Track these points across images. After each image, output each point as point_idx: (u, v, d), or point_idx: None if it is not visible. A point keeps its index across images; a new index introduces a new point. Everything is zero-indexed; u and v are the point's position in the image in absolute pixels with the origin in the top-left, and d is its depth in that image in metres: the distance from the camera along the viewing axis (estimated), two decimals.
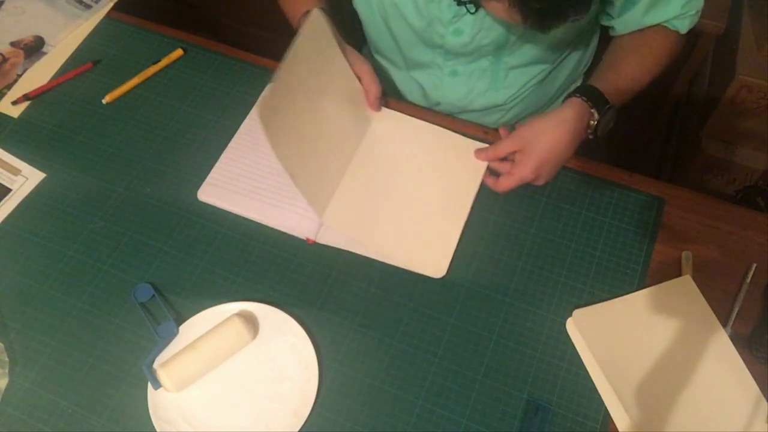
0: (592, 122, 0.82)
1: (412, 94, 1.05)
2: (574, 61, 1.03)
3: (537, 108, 1.07)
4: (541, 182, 0.84)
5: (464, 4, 0.84)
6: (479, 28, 0.87)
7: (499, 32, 0.88)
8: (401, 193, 0.88)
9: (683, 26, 0.89)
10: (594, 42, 1.04)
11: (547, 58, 0.97)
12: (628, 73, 0.88)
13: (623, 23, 0.90)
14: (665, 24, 0.88)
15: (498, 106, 1.02)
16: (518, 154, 0.83)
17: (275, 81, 0.75)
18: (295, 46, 0.76)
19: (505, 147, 0.84)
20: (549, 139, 0.81)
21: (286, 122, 0.78)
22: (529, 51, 0.93)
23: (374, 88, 0.91)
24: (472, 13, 0.85)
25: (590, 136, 0.84)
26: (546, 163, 0.81)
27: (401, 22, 0.92)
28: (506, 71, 0.97)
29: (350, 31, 0.85)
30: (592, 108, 0.82)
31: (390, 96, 0.98)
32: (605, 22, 0.94)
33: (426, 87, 1.02)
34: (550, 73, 1.00)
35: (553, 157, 0.81)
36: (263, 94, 0.73)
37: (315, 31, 0.80)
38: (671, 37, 0.90)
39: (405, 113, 0.95)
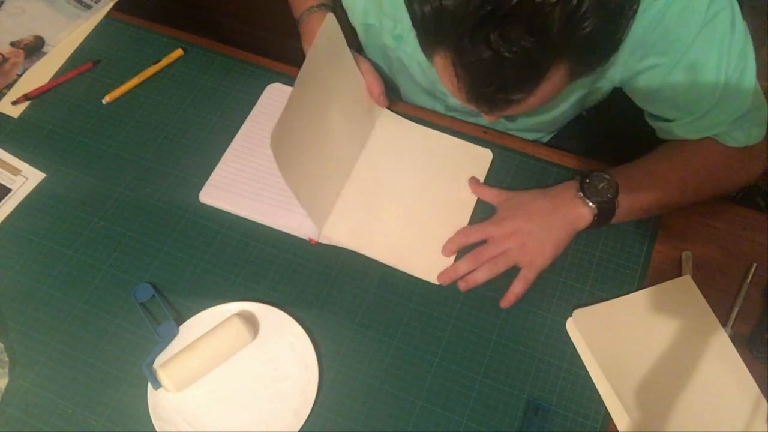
0: (578, 185, 0.78)
1: None
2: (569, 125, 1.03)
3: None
4: (516, 243, 0.77)
5: None
6: None
7: None
8: (403, 198, 0.88)
9: (732, 140, 0.79)
10: None
11: (545, 129, 0.96)
12: (650, 169, 0.82)
13: (660, 130, 0.85)
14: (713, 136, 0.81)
15: None
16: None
17: (294, 91, 0.73)
18: (312, 51, 0.75)
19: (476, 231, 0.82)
20: (521, 196, 0.80)
21: (297, 135, 0.77)
22: (529, 120, 0.93)
23: (377, 85, 0.91)
24: None
25: (586, 198, 0.78)
26: (517, 214, 0.78)
27: (406, 75, 0.92)
28: (504, 131, 0.97)
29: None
30: (574, 178, 0.79)
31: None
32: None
33: None
34: (545, 137, 1.00)
35: (528, 213, 0.78)
36: (285, 107, 0.72)
37: (329, 33, 0.80)
38: (716, 148, 0.81)
39: (408, 113, 0.95)
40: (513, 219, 0.79)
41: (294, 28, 1.00)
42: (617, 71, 0.79)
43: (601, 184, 0.78)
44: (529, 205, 0.80)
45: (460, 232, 0.82)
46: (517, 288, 0.78)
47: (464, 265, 0.80)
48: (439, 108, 0.96)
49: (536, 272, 0.78)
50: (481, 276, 0.78)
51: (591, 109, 1.12)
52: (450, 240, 0.82)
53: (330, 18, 0.78)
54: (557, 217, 0.78)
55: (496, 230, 0.79)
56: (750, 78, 0.76)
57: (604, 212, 0.78)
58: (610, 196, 0.78)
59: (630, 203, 0.79)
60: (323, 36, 0.77)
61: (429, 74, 0.88)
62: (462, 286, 0.80)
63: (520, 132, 0.97)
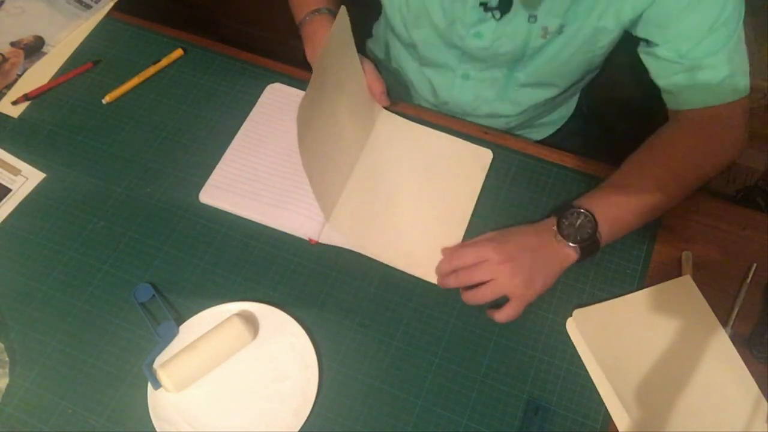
0: (555, 226, 0.78)
1: (421, 89, 1.05)
2: (586, 79, 1.04)
3: (543, 114, 1.08)
4: (507, 273, 0.76)
5: (491, 10, 0.84)
6: (500, 35, 0.87)
7: (518, 42, 0.87)
8: (403, 198, 0.88)
9: (719, 96, 0.82)
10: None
11: (557, 83, 0.96)
12: (624, 183, 0.82)
13: (652, 60, 0.86)
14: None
15: (502, 116, 1.02)
16: None
17: (312, 81, 0.74)
18: (326, 45, 0.76)
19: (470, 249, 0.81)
20: (509, 230, 0.81)
21: (313, 124, 0.78)
22: (541, 72, 0.93)
23: (379, 84, 0.91)
24: (497, 20, 0.85)
25: (567, 240, 0.77)
26: (510, 241, 0.78)
27: (425, 19, 0.91)
28: (516, 87, 0.97)
29: (353, 22, 0.85)
30: (555, 213, 0.80)
31: (398, 89, 0.97)
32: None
33: (436, 85, 1.02)
34: (555, 97, 1.01)
35: (520, 243, 0.78)
36: (304, 95, 0.73)
37: (341, 29, 0.80)
38: (690, 129, 0.84)
39: (408, 113, 0.95)
40: (507, 244, 0.78)
41: (294, 28, 1.00)
42: (626, 5, 0.80)
43: (579, 221, 0.78)
44: (520, 236, 0.79)
45: (455, 255, 0.80)
46: (503, 316, 0.76)
47: (453, 282, 0.79)
48: (455, 60, 0.95)
49: (524, 305, 0.77)
50: (468, 300, 0.78)
51: (591, 106, 1.12)
52: (443, 262, 0.81)
53: (342, 12, 0.79)
54: (545, 253, 0.78)
55: (491, 254, 0.77)
56: (742, 8, 0.80)
57: (588, 248, 0.78)
58: (590, 231, 0.77)
59: (610, 228, 0.78)
60: (337, 28, 0.78)
61: (449, 12, 0.88)
62: (462, 295, 0.79)
63: (533, 87, 0.97)
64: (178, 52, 1.02)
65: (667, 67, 0.84)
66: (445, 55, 0.96)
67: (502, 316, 0.77)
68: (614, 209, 0.79)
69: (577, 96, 1.11)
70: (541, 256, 0.77)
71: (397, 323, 0.79)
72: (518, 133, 1.10)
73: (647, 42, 0.85)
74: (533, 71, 0.93)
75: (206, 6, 1.79)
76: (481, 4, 0.84)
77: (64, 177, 0.91)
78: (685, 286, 0.80)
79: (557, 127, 1.13)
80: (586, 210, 0.78)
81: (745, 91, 0.83)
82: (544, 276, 0.77)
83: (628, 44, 0.90)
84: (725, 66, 0.81)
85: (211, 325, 0.76)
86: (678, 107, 0.86)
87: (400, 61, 1.05)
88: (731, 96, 0.82)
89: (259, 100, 0.97)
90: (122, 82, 0.99)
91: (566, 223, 0.78)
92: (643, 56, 0.87)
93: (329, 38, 0.76)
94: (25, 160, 0.92)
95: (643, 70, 0.88)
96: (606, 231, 0.78)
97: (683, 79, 0.83)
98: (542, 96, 0.99)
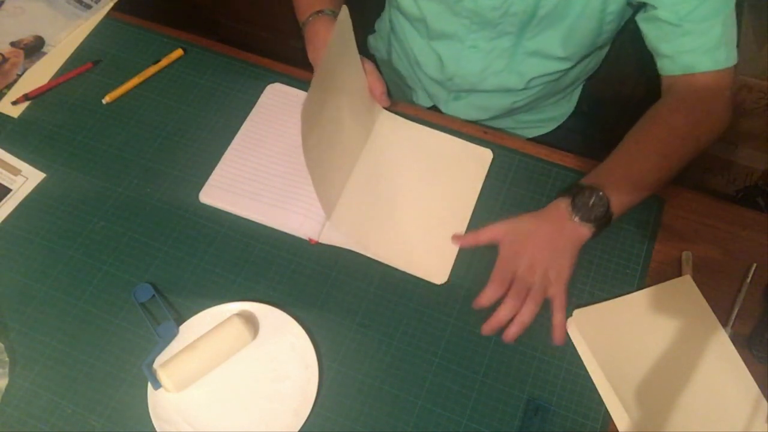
0: (570, 207, 0.79)
1: (428, 65, 1.05)
2: (591, 64, 1.03)
3: (548, 97, 1.07)
4: (538, 276, 0.77)
5: None
6: None
7: (530, 2, 0.87)
8: (403, 198, 0.88)
9: (713, 62, 0.84)
10: (606, 48, 1.04)
11: (564, 54, 0.96)
12: (629, 157, 0.84)
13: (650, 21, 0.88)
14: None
15: (510, 90, 1.02)
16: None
17: (314, 81, 0.74)
18: (329, 45, 0.76)
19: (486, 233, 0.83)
20: (520, 226, 0.81)
21: (315, 124, 0.78)
22: (549, 40, 0.93)
23: (379, 84, 0.92)
24: None
25: (582, 220, 0.79)
26: (526, 246, 0.79)
27: None
28: (524, 56, 0.96)
29: (355, 18, 0.85)
30: (565, 194, 0.81)
31: (403, 75, 0.96)
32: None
33: (444, 58, 1.01)
34: (564, 72, 1.01)
35: (536, 242, 0.79)
36: (307, 95, 0.73)
37: (342, 30, 0.80)
38: (683, 106, 0.86)
39: (408, 113, 0.95)
40: (525, 251, 0.79)
41: (294, 29, 1.00)
42: None
43: (591, 200, 0.79)
44: (534, 234, 0.80)
45: (494, 285, 0.78)
46: (561, 316, 0.77)
47: (506, 312, 0.77)
48: (464, 30, 0.95)
49: (566, 293, 0.78)
50: (528, 317, 0.77)
51: (591, 104, 1.12)
52: (485, 294, 0.78)
53: (344, 12, 0.79)
54: (564, 239, 0.79)
55: (517, 268, 0.78)
56: None
57: (602, 225, 0.79)
58: (603, 209, 0.79)
59: (621, 204, 0.80)
60: (339, 29, 0.78)
61: None
62: (513, 332, 0.77)
63: (541, 58, 0.96)
64: (178, 52, 1.02)
65: (667, 31, 0.85)
66: (455, 26, 0.96)
67: (560, 318, 0.77)
68: (623, 184, 0.81)
69: (580, 90, 1.11)
70: (561, 243, 0.79)
71: (397, 323, 0.79)
72: (522, 123, 1.10)
73: (647, 6, 0.86)
74: (542, 39, 0.93)
75: (206, 6, 1.79)
76: None
77: (64, 177, 0.91)
78: (685, 286, 0.80)
79: (558, 123, 1.13)
80: (597, 188, 0.79)
81: (734, 61, 0.85)
82: (569, 259, 0.79)
83: (630, 42, 0.90)
84: (720, 31, 0.83)
85: (211, 325, 0.76)
86: (674, 72, 0.87)
87: (407, 41, 1.05)
88: (724, 62, 0.84)
89: (259, 100, 0.97)
90: (122, 82, 0.99)
91: (579, 203, 0.79)
92: (642, 24, 0.88)
93: (331, 39, 0.76)
94: (25, 160, 0.92)
95: (644, 70, 0.88)
96: (617, 207, 0.80)
97: (682, 44, 0.84)
98: (549, 68, 0.98)
